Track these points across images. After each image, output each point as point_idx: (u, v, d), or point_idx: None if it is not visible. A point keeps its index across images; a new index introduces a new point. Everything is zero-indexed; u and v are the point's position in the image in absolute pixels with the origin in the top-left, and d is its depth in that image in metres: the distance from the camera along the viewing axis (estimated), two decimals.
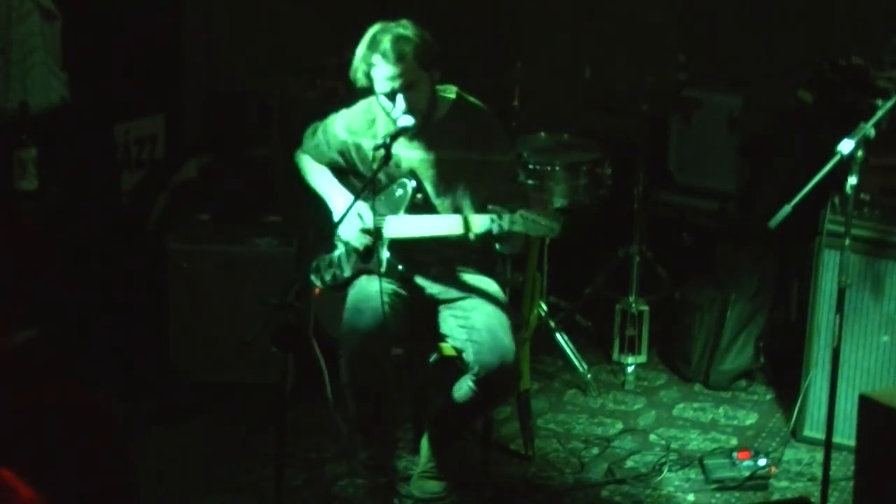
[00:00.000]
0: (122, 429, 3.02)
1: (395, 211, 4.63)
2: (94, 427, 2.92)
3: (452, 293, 4.68)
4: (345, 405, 4.63)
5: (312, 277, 4.76)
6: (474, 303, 4.63)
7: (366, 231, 4.63)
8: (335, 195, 4.75)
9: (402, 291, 4.67)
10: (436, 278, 4.71)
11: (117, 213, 5.87)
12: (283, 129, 6.11)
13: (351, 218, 4.62)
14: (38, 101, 5.39)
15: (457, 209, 4.60)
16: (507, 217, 4.39)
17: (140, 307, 5.66)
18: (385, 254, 4.64)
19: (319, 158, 4.82)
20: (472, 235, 4.48)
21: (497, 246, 4.59)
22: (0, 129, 5.29)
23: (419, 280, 4.71)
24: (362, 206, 4.62)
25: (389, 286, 4.61)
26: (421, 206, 4.63)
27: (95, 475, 2.90)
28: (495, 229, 4.41)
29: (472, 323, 4.58)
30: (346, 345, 4.57)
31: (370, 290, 4.60)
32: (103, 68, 5.75)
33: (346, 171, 4.79)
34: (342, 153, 4.76)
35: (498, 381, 4.55)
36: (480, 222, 4.46)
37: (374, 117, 4.67)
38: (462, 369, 4.60)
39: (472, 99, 4.70)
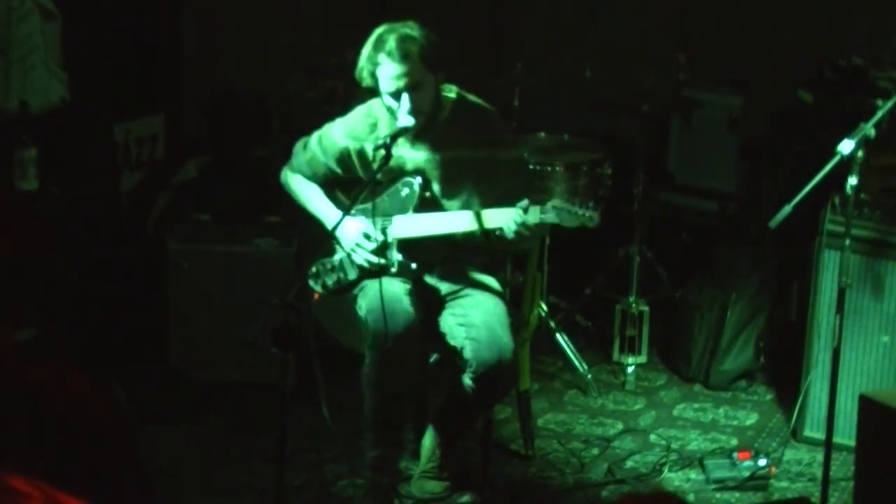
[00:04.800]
0: (135, 421, 3.02)
1: (402, 211, 4.63)
2: (112, 420, 2.91)
3: (453, 291, 4.68)
4: (343, 412, 4.63)
5: (311, 283, 4.74)
6: (473, 300, 4.63)
7: (376, 251, 4.62)
8: (330, 212, 4.73)
9: (417, 290, 4.67)
10: (440, 277, 4.71)
11: (117, 213, 5.87)
12: (283, 129, 6.11)
13: (360, 240, 4.63)
14: (38, 101, 5.39)
15: (467, 208, 4.60)
16: (535, 209, 4.36)
17: (140, 307, 5.66)
18: (397, 255, 4.63)
19: (314, 172, 4.79)
20: (485, 230, 4.47)
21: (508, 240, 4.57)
22: (0, 129, 5.29)
23: (427, 279, 4.71)
24: (367, 226, 4.62)
25: (406, 286, 4.62)
26: (430, 203, 4.62)
27: (115, 470, 2.90)
28: (520, 221, 4.37)
29: (470, 320, 4.58)
30: (377, 347, 4.55)
31: (395, 291, 4.59)
32: (103, 68, 5.75)
33: (340, 181, 4.77)
34: (341, 161, 4.73)
35: (496, 378, 4.55)
36: (496, 217, 4.44)
37: (375, 121, 4.67)
38: (462, 368, 4.60)
39: (472, 97, 4.70)
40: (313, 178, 4.80)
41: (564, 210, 4.36)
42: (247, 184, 5.81)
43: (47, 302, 5.20)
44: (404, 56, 4.45)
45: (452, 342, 4.62)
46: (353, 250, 4.67)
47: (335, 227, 4.43)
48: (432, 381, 4.99)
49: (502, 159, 4.62)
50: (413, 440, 5.03)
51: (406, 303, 4.56)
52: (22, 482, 2.39)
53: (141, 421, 5.16)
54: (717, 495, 4.93)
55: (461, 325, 4.59)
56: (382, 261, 4.63)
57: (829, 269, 5.07)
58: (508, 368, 4.56)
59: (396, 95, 4.49)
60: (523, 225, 4.39)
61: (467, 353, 4.55)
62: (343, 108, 4.93)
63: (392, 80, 4.48)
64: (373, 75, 4.52)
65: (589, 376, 5.68)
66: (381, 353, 4.54)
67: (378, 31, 4.53)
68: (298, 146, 4.84)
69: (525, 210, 4.37)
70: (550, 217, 4.36)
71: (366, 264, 4.66)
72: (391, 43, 4.46)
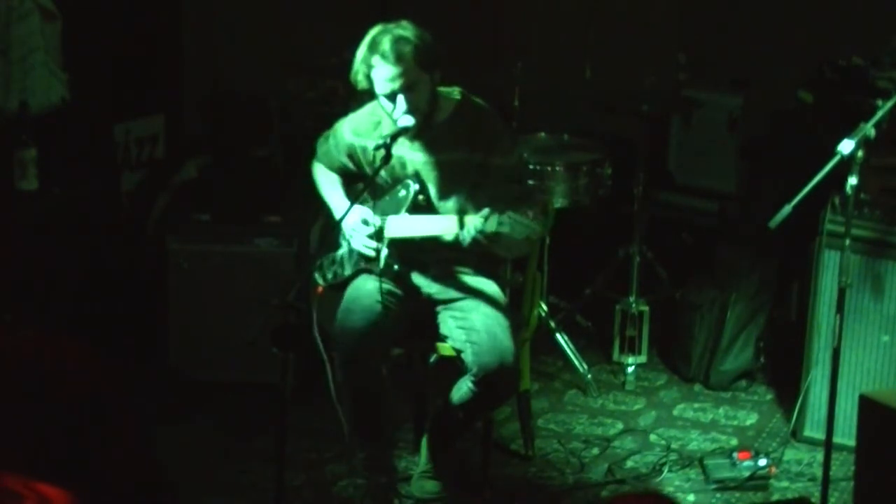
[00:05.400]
0: (138, 402, 3.02)
1: (396, 211, 4.64)
2: (113, 394, 2.91)
3: (451, 293, 4.68)
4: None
5: (316, 275, 4.77)
6: (473, 303, 4.63)
7: (372, 236, 4.63)
8: (338, 202, 4.77)
9: (398, 291, 4.67)
10: (434, 278, 4.71)
11: (117, 213, 5.87)
12: (283, 129, 6.11)
13: (357, 226, 4.64)
14: (38, 101, 5.39)
15: (461, 211, 4.59)
16: (494, 218, 4.37)
17: (140, 307, 5.66)
18: (384, 253, 4.65)
19: (330, 164, 4.83)
20: (461, 236, 4.47)
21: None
22: (0, 129, 5.29)
23: (417, 280, 4.71)
24: (367, 212, 4.63)
25: (385, 286, 4.61)
26: (423, 206, 4.63)
27: (121, 452, 2.89)
28: (480, 228, 4.38)
29: (471, 324, 4.58)
30: (339, 344, 4.57)
31: (364, 289, 4.61)
32: (103, 68, 5.75)
33: (356, 175, 4.79)
34: (350, 156, 4.76)
35: (497, 381, 4.55)
36: (471, 223, 4.45)
37: (379, 119, 4.68)
38: (462, 370, 4.60)
39: (477, 100, 4.70)
40: (331, 170, 4.83)
41: (517, 221, 4.35)
42: (247, 184, 5.81)
43: (46, 302, 5.21)
44: (398, 57, 4.45)
45: (453, 344, 4.62)
46: (350, 235, 4.68)
47: (341, 219, 4.45)
48: (432, 381, 4.99)
49: (498, 165, 4.61)
50: (413, 440, 5.03)
51: (369, 301, 4.56)
52: (16, 482, 2.39)
53: (143, 418, 5.19)
54: (717, 495, 4.93)
55: (461, 328, 4.59)
56: (378, 245, 4.62)
57: (829, 269, 5.07)
58: (510, 372, 4.56)
59: (392, 97, 4.49)
60: (481, 232, 4.39)
61: (468, 357, 4.55)
62: (343, 108, 4.94)
63: (386, 81, 4.48)
64: (368, 77, 4.52)
65: (589, 376, 5.68)
66: (343, 351, 4.56)
67: (372, 32, 4.53)
68: (321, 139, 4.89)
69: (486, 218, 4.38)
70: (505, 227, 4.35)
71: (362, 249, 4.66)
72: (385, 44, 4.46)
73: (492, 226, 4.36)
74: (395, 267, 4.65)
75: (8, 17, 5.35)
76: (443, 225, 4.56)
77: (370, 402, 4.67)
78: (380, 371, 4.65)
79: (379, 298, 4.56)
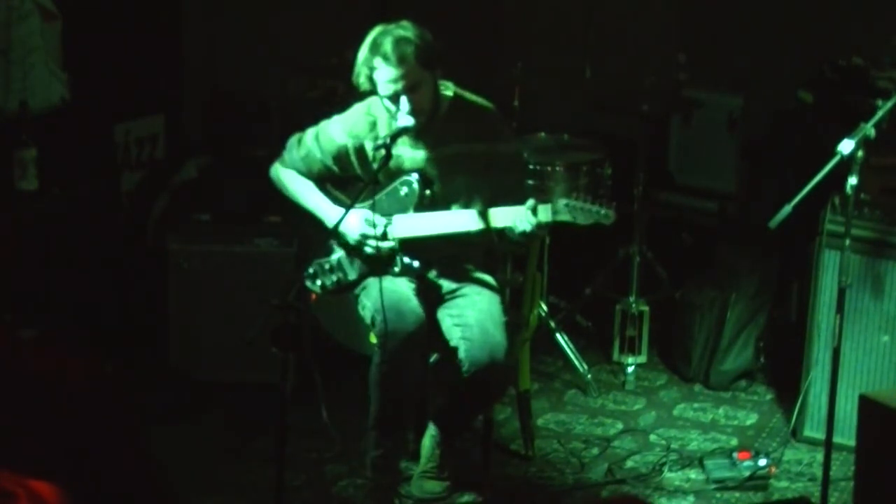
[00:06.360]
0: (137, 406, 3.02)
1: (402, 210, 4.62)
2: (114, 403, 2.91)
3: (452, 290, 4.68)
4: (343, 412, 4.62)
5: (309, 284, 4.73)
6: (469, 300, 4.64)
7: (379, 238, 4.61)
8: (327, 207, 4.72)
9: (419, 289, 4.68)
10: (438, 276, 4.71)
11: (117, 213, 5.87)
12: (283, 129, 6.10)
13: (365, 229, 4.62)
14: (38, 101, 5.39)
15: (468, 205, 4.60)
16: (546, 208, 4.36)
17: (140, 307, 5.66)
18: (401, 255, 4.63)
19: (309, 168, 4.76)
20: (491, 230, 4.47)
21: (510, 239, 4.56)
22: (0, 129, 5.29)
23: (429, 276, 4.71)
24: (367, 213, 4.61)
25: (412, 285, 4.62)
26: (430, 203, 4.62)
27: (119, 454, 2.90)
28: (533, 222, 4.37)
29: (465, 320, 4.58)
30: (387, 346, 4.54)
31: (403, 291, 4.59)
32: (103, 68, 5.75)
33: (335, 179, 4.76)
34: (338, 159, 4.72)
35: (489, 377, 4.55)
36: (503, 216, 4.44)
37: (375, 119, 4.67)
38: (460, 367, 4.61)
39: (469, 94, 4.70)
40: (308, 174, 4.78)
41: (578, 208, 4.36)
42: (247, 184, 5.81)
43: (47, 303, 5.21)
44: (401, 59, 4.45)
45: (449, 342, 4.63)
46: (358, 241, 4.65)
47: (337, 224, 4.42)
48: (432, 381, 4.99)
49: (501, 153, 4.62)
50: (413, 440, 5.03)
51: (415, 303, 4.57)
52: (8, 480, 2.39)
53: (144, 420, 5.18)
54: (717, 495, 4.93)
55: (457, 325, 4.60)
56: (390, 244, 4.61)
57: (829, 269, 5.07)
58: (501, 368, 4.56)
59: (395, 98, 4.49)
60: (536, 225, 4.39)
61: (461, 353, 4.56)
62: (343, 108, 4.93)
63: (389, 83, 4.47)
64: (370, 79, 4.52)
65: (589, 376, 5.68)
66: (391, 353, 4.54)
67: (373, 33, 4.53)
68: (292, 141, 4.82)
69: (534, 210, 4.37)
70: (563, 216, 4.36)
71: (374, 251, 4.63)
72: (386, 46, 4.46)
73: (545, 216, 4.36)
74: (416, 264, 4.64)
75: (8, 17, 5.36)
76: (458, 221, 4.55)
77: (402, 403, 4.69)
78: (421, 372, 4.66)
79: (419, 300, 4.57)
